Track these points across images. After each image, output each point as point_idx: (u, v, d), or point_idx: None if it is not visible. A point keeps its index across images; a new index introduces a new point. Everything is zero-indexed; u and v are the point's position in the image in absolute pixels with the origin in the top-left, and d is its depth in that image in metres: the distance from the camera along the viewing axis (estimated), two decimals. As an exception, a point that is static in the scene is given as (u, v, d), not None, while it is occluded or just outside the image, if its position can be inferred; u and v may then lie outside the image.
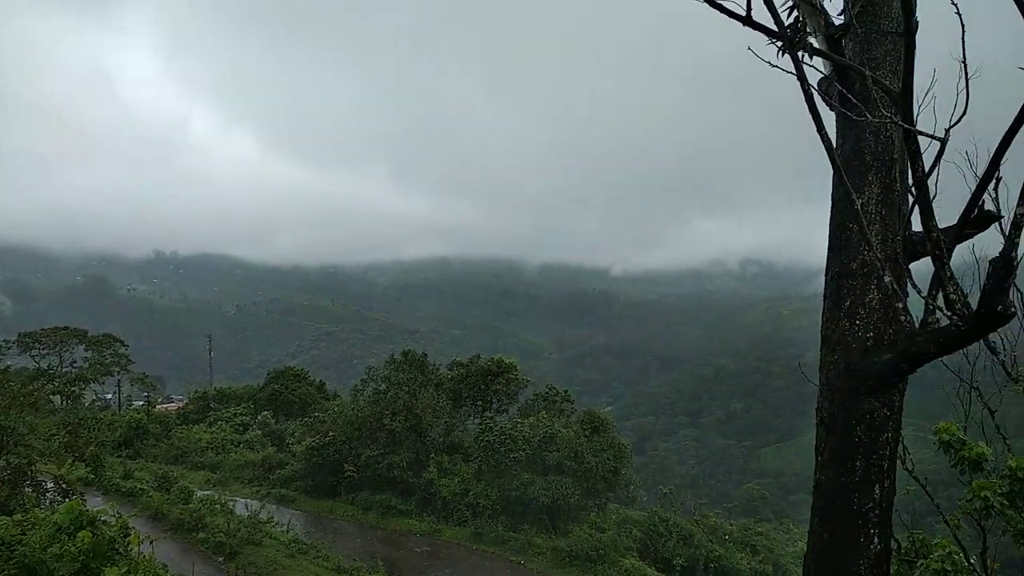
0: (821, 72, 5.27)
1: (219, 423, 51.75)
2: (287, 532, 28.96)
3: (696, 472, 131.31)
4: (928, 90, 4.61)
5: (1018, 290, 7.82)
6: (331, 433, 39.27)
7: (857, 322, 5.06)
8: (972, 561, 8.01)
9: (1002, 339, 8.83)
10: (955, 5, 3.69)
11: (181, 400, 78.40)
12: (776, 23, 4.15)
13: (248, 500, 34.29)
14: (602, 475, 35.42)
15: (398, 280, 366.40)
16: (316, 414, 46.60)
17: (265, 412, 52.82)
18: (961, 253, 5.10)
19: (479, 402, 42.64)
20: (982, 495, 7.20)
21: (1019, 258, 4.10)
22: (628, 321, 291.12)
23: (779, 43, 4.25)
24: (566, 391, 44.09)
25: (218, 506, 29.54)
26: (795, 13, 4.72)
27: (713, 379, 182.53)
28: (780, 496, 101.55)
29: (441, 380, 42.34)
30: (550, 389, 43.76)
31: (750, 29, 4.16)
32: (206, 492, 33.87)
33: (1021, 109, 3.88)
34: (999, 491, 7.17)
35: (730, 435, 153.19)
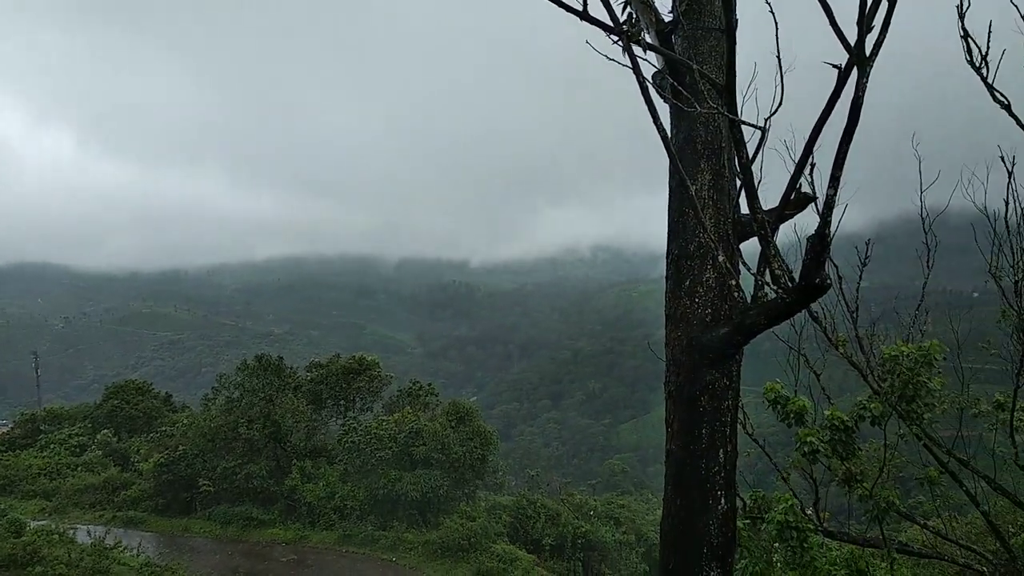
0: (655, 67, 5.57)
1: (52, 446, 47.19)
2: (138, 556, 27.01)
3: (560, 453, 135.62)
4: (750, 84, 4.99)
5: (833, 264, 8.68)
6: (181, 447, 36.95)
7: (696, 300, 5.41)
8: (808, 512, 8.84)
9: (823, 309, 9.77)
10: (769, 4, 4.02)
11: (4, 425, 70.83)
12: (611, 19, 4.34)
13: (91, 526, 31.66)
14: (470, 464, 35.67)
15: (248, 282, 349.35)
16: (163, 428, 43.57)
17: (105, 431, 48.72)
18: (786, 232, 5.58)
19: (341, 402, 41.65)
20: (808, 441, 8.05)
21: (832, 235, 4.54)
22: (489, 311, 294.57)
23: (615, 37, 4.45)
24: (430, 384, 43.97)
25: (56, 536, 26.97)
26: (628, 9, 4.95)
27: (572, 362, 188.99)
28: (639, 468, 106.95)
29: (299, 383, 40.90)
30: (414, 384, 43.47)
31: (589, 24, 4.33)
32: (41, 522, 30.80)
33: (828, 101, 4.29)
34: (823, 439, 8.03)
35: (590, 414, 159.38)
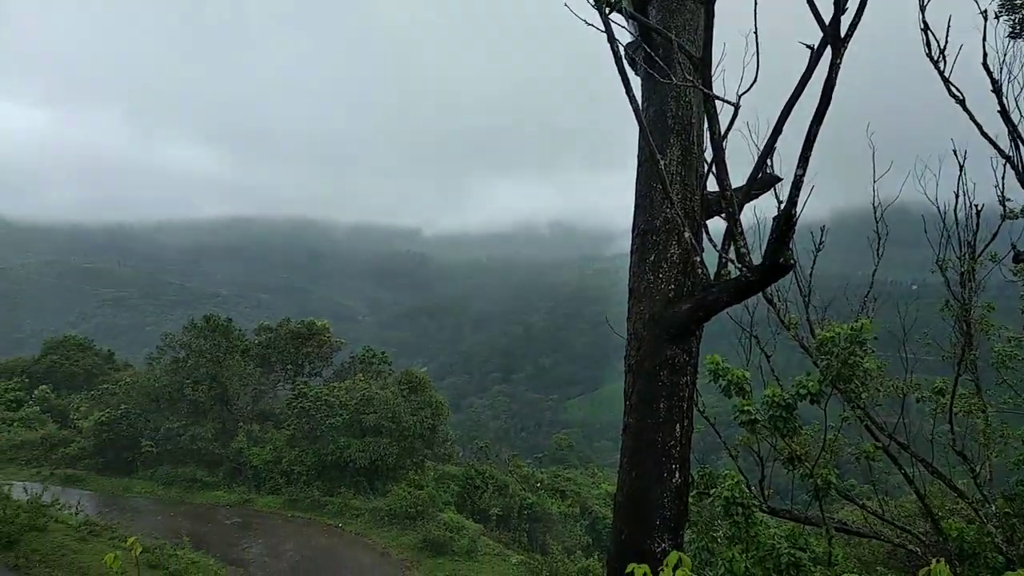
0: (632, 35, 5.51)
1: (-15, 401, 45.70)
2: (76, 515, 26.39)
3: (508, 426, 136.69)
4: (719, 63, 4.97)
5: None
6: (123, 406, 36.16)
7: (660, 275, 5.41)
8: (753, 489, 9.05)
9: (777, 292, 9.92)
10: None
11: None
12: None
13: (27, 483, 30.78)
14: (420, 433, 35.70)
15: (195, 242, 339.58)
16: (105, 386, 42.51)
17: (43, 386, 47.36)
18: (745, 214, 5.61)
19: (290, 367, 41.20)
20: (745, 409, 8.26)
21: (798, 216, 4.57)
22: (442, 282, 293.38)
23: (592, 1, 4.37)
24: (383, 352, 43.74)
25: (-12, 491, 26.15)
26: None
27: (524, 337, 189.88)
28: (585, 444, 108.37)
29: (248, 346, 40.28)
30: (367, 351, 43.21)
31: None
32: (-28, 478, 29.94)
33: (800, 80, 4.30)
34: (764, 414, 8.24)
35: (539, 389, 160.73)
